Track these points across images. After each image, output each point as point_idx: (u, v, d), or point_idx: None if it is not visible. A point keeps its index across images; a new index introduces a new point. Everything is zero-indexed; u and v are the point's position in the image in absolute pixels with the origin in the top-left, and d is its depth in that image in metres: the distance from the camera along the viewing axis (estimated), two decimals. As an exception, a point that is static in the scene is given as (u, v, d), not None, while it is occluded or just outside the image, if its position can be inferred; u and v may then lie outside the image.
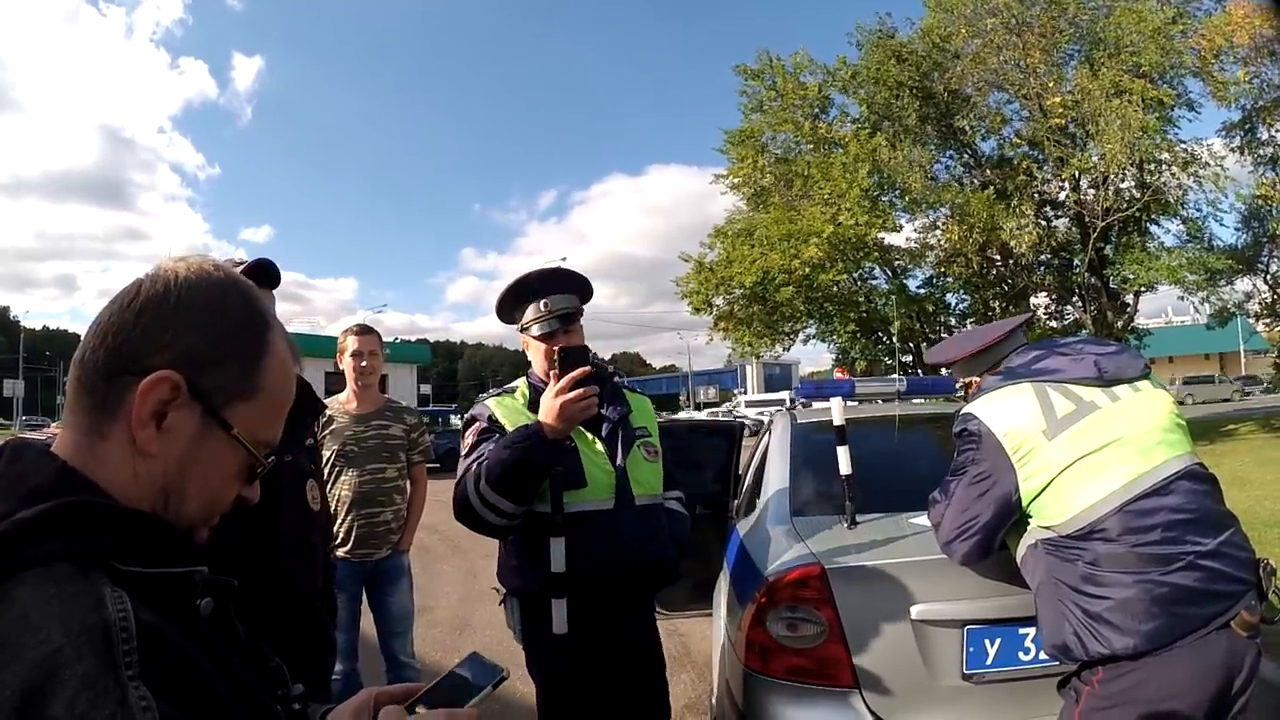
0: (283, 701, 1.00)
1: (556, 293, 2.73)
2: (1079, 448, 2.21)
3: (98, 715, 0.69)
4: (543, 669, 2.67)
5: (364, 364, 4.22)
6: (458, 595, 8.25)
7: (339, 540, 4.12)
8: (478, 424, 2.72)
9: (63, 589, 0.77)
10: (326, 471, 4.13)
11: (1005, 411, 2.33)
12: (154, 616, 0.79)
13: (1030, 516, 2.29)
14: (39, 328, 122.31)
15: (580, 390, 2.41)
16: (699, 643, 6.12)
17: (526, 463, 2.40)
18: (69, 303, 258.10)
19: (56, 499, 0.82)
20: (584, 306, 2.80)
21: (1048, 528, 2.23)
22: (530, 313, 2.72)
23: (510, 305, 2.80)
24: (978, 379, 2.62)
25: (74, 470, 0.87)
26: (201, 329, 0.94)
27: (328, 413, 4.20)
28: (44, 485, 0.84)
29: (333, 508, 4.12)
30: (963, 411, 2.45)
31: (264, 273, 2.44)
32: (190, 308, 0.94)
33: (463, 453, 2.70)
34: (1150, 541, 2.09)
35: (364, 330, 4.34)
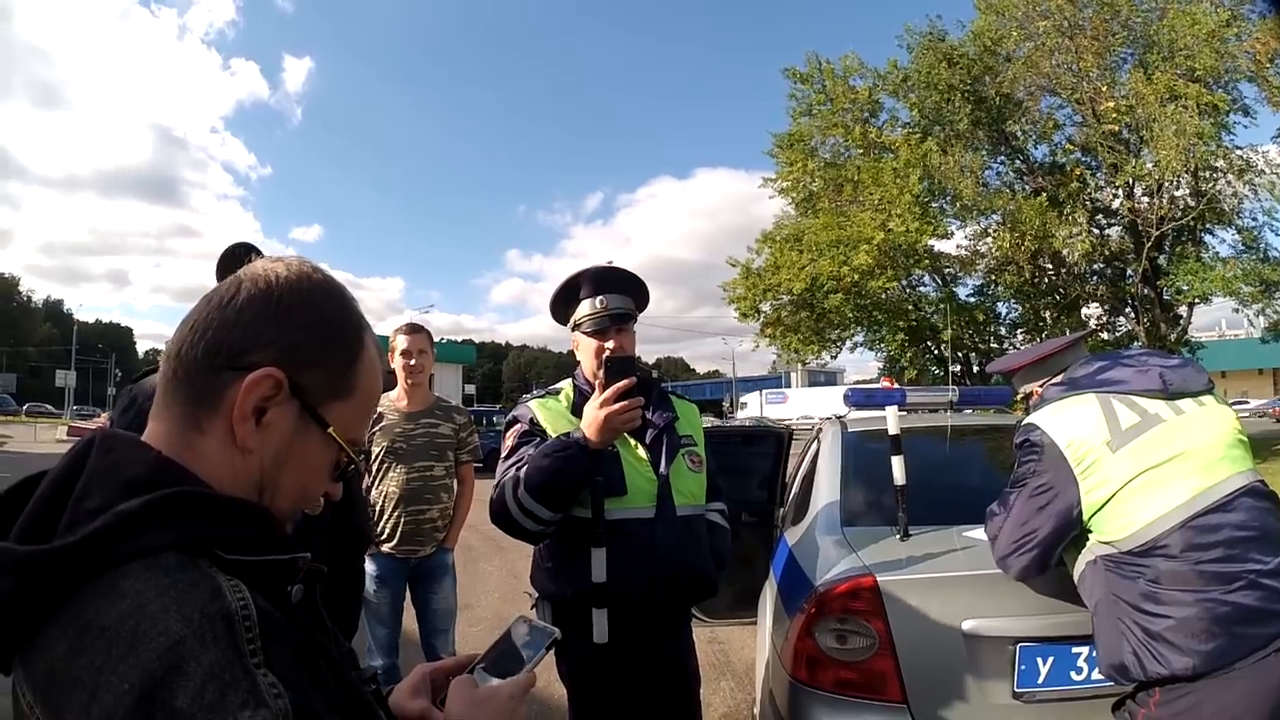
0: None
1: (613, 292, 2.70)
2: (1143, 461, 2.16)
3: (229, 705, 0.68)
4: (574, 677, 2.65)
5: (413, 362, 4.24)
6: (499, 594, 8.27)
7: (384, 535, 4.15)
8: (519, 426, 2.70)
9: (176, 579, 0.76)
10: (375, 467, 4.19)
11: (1069, 422, 2.29)
12: (266, 603, 0.79)
13: (1090, 531, 2.24)
14: (91, 321, 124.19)
15: (625, 402, 2.40)
16: (739, 651, 6.08)
17: (566, 472, 2.39)
18: (120, 297, 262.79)
19: (157, 490, 0.81)
20: (638, 313, 2.78)
21: (1108, 543, 2.19)
22: (584, 308, 2.69)
23: (564, 301, 2.77)
24: (1038, 389, 2.58)
25: (171, 461, 0.87)
26: (303, 328, 0.95)
27: (378, 409, 4.22)
28: (142, 476, 0.83)
29: (380, 504, 4.16)
30: (1025, 422, 2.41)
31: (237, 258, 2.39)
32: (292, 307, 0.95)
33: (502, 454, 2.67)
34: (1212, 559, 2.05)
35: (414, 329, 4.36)
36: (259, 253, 2.41)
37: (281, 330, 0.93)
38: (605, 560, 2.45)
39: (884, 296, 21.61)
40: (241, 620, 0.74)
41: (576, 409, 2.64)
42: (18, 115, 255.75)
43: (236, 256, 2.38)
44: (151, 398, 2.52)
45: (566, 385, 2.82)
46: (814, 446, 4.04)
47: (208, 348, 0.91)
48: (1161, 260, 20.63)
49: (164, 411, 0.93)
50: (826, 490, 3.32)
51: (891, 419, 2.96)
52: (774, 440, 5.08)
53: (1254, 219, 20.15)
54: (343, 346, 0.99)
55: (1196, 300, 20.55)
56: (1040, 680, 2.47)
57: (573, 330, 2.75)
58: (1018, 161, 23.14)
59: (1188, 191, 20.25)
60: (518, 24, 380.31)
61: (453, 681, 1.13)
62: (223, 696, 0.68)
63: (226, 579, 0.78)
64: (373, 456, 4.18)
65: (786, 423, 6.21)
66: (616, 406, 2.38)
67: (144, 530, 0.78)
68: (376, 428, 4.19)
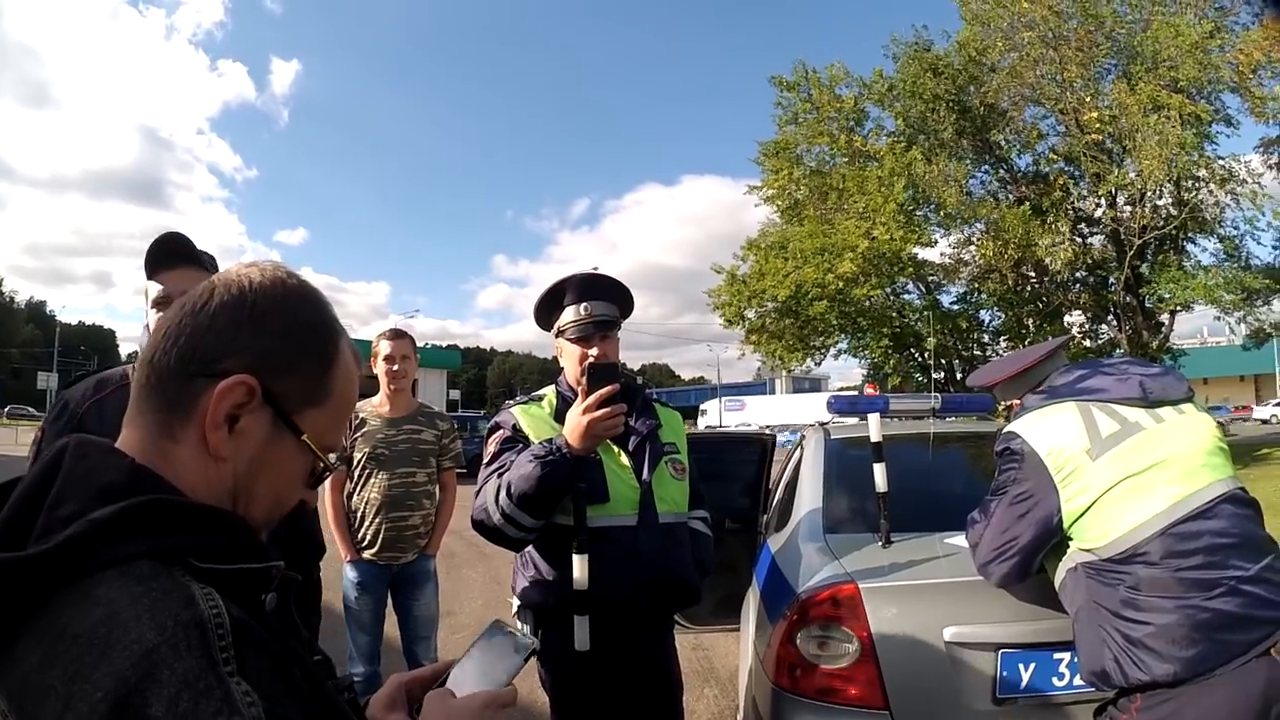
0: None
1: (597, 299, 2.69)
2: (1123, 469, 2.17)
3: (202, 713, 0.68)
4: (556, 685, 2.64)
5: (396, 368, 4.23)
6: (481, 600, 8.25)
7: (366, 542, 4.13)
8: (501, 432, 2.69)
9: (150, 587, 0.75)
10: (357, 474, 4.16)
11: (1049, 430, 2.29)
12: (239, 612, 0.78)
13: (1071, 539, 2.25)
14: (75, 322, 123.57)
15: (608, 409, 2.39)
16: (723, 658, 6.07)
17: (549, 479, 2.37)
18: (104, 298, 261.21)
19: (131, 497, 0.81)
20: (622, 320, 2.78)
21: (1088, 550, 2.19)
22: (568, 315, 2.68)
23: (548, 307, 2.76)
24: (1018, 400, 2.59)
25: (145, 469, 0.87)
26: (276, 334, 0.94)
27: (360, 415, 4.22)
28: (116, 483, 0.83)
29: (361, 510, 4.14)
30: (1005, 430, 2.42)
31: (166, 250, 2.36)
32: (265, 313, 0.94)
33: (484, 460, 2.66)
34: (1192, 566, 2.05)
35: (397, 334, 4.34)
36: (190, 244, 2.40)
37: (255, 336, 0.92)
38: (587, 567, 2.43)
39: (868, 304, 21.64)
40: (215, 628, 0.74)
41: (559, 415, 2.63)
42: (5, 114, 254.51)
43: (165, 248, 2.36)
44: (83, 404, 2.48)
45: (550, 392, 2.81)
46: (797, 453, 4.04)
47: (180, 354, 0.91)
48: (1144, 268, 20.74)
49: (138, 419, 0.92)
50: (809, 497, 3.32)
51: (874, 426, 2.96)
52: (758, 447, 5.08)
53: (1236, 228, 20.32)
54: (317, 352, 0.98)
55: (1178, 308, 20.65)
56: (1022, 686, 2.47)
57: (557, 336, 2.74)
58: (1001, 171, 23.26)
59: (1170, 201, 20.37)
60: (506, 34, 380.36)
61: (428, 694, 1.12)
62: (196, 705, 0.68)
63: (200, 587, 0.78)
64: (354, 463, 4.16)
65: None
66: (599, 413, 2.38)
67: (118, 538, 0.78)
68: (358, 434, 4.17)
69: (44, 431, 2.45)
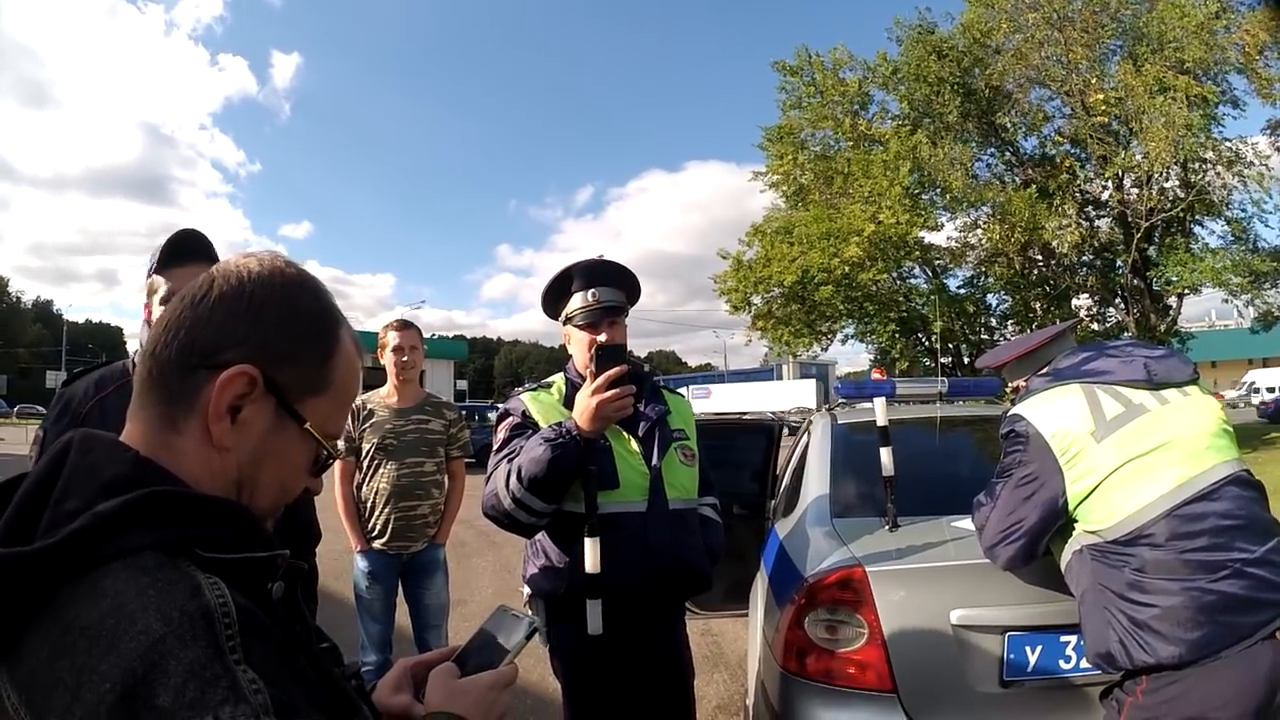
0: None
1: (604, 285, 2.69)
2: (1128, 450, 2.17)
3: (209, 701, 0.69)
4: (569, 672, 2.66)
5: (404, 359, 4.25)
6: (492, 589, 8.28)
7: (376, 532, 4.16)
8: (511, 419, 2.70)
9: (156, 578, 0.76)
10: (365, 464, 4.19)
11: (1054, 412, 2.30)
12: (246, 600, 0.79)
13: (1076, 521, 2.25)
14: (81, 321, 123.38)
15: (616, 390, 2.39)
16: (733, 643, 6.09)
17: (559, 462, 2.38)
18: (110, 296, 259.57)
19: (136, 490, 0.81)
20: (629, 307, 2.77)
21: (1094, 532, 2.20)
22: (576, 301, 2.69)
23: (555, 295, 2.77)
24: (1024, 382, 2.59)
25: (150, 461, 0.87)
26: (276, 324, 0.95)
27: (369, 406, 4.25)
28: (121, 476, 0.83)
29: (371, 500, 4.17)
30: (1010, 412, 2.42)
31: (184, 246, 2.36)
32: (265, 303, 0.94)
33: (494, 447, 2.67)
34: (1197, 548, 2.05)
35: (404, 325, 4.36)
36: (207, 241, 2.40)
37: (254, 327, 0.93)
38: (599, 551, 2.43)
39: (875, 288, 21.58)
40: (221, 617, 0.75)
41: (568, 402, 2.63)
42: (5, 115, 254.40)
43: (183, 243, 2.36)
44: (86, 404, 2.48)
45: (558, 379, 2.81)
46: (804, 439, 4.05)
47: (181, 347, 0.91)
48: (1151, 251, 20.67)
49: (141, 412, 0.93)
50: (816, 482, 3.33)
51: (879, 410, 2.96)
52: (765, 433, 5.09)
53: (1243, 210, 20.19)
54: (318, 341, 0.99)
55: (1186, 291, 20.55)
56: (1029, 669, 2.47)
57: (564, 324, 2.75)
58: (1007, 154, 23.18)
59: (1177, 183, 20.26)
60: (508, 19, 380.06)
61: (432, 672, 1.13)
62: (203, 693, 0.69)
63: (206, 577, 0.79)
64: (363, 453, 4.19)
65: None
66: (608, 394, 2.38)
67: (123, 530, 0.78)
68: (367, 425, 4.20)
69: (45, 431, 2.45)
